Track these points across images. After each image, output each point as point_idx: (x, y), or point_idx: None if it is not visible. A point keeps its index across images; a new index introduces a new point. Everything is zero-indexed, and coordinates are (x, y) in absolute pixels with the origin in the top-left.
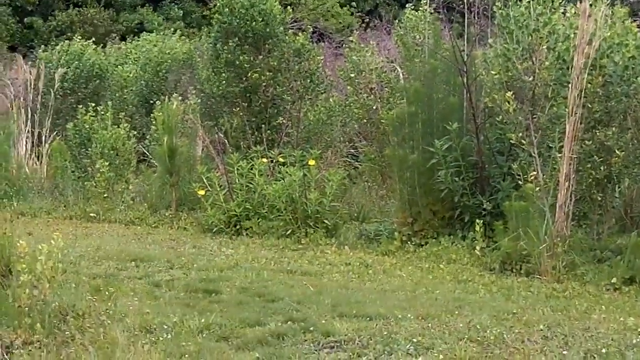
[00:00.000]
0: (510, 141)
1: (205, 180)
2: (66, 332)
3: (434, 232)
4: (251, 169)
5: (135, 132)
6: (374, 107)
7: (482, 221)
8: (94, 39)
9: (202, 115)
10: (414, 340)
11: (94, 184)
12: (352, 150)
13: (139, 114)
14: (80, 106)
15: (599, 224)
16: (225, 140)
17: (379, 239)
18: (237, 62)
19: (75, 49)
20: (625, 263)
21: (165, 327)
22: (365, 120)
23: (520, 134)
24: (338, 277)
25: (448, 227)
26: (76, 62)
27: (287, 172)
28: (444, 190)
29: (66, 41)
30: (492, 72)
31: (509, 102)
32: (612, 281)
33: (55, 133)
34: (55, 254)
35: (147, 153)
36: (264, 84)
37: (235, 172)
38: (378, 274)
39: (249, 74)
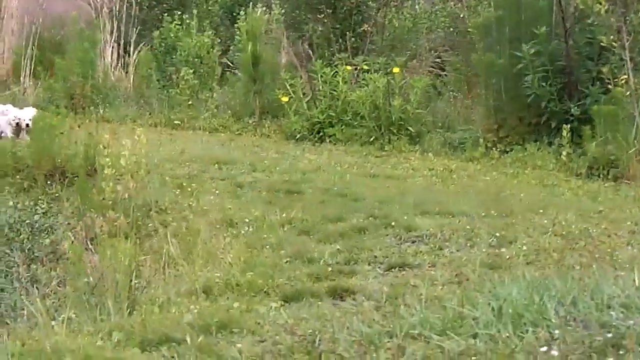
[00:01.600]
0: (601, 44)
1: (288, 87)
2: (149, 225)
3: (520, 139)
4: (335, 76)
5: (219, 40)
6: (461, 16)
7: (569, 127)
8: None
9: (287, 28)
10: (497, 234)
11: (179, 92)
12: (438, 60)
13: (223, 25)
14: (166, 14)
15: None
16: (310, 51)
17: (464, 146)
18: None
19: None
20: None
21: (247, 221)
22: (451, 29)
23: (612, 37)
24: (421, 180)
25: (534, 133)
26: None
27: (371, 79)
28: (530, 96)
29: None
30: None
31: (600, 4)
32: None
33: (142, 44)
34: (139, 150)
35: (231, 64)
36: None
37: (319, 79)
38: (462, 179)
39: None
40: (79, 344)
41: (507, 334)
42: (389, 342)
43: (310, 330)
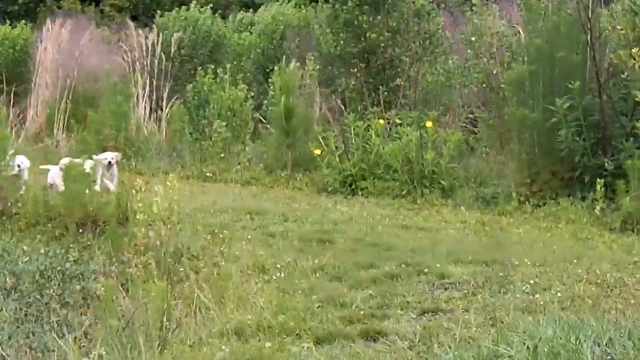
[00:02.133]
0: (635, 99)
1: (321, 140)
2: (181, 271)
3: (553, 193)
4: (367, 129)
5: (252, 94)
6: (494, 72)
7: (603, 181)
8: (211, 6)
9: (320, 83)
10: (531, 282)
11: (211, 145)
12: (470, 116)
13: (256, 81)
14: (200, 69)
15: None
16: (342, 106)
17: (496, 200)
18: (356, 23)
19: (191, 14)
20: None
21: (279, 267)
22: (484, 85)
23: None
24: (453, 232)
25: (567, 187)
26: (191, 28)
27: (404, 132)
28: (563, 150)
29: (182, 6)
30: (619, 28)
31: (634, 59)
32: None
33: (175, 98)
34: (170, 197)
35: (263, 120)
36: (382, 44)
37: (352, 132)
38: (494, 231)
39: (368, 35)
40: None
41: None
42: None
43: None
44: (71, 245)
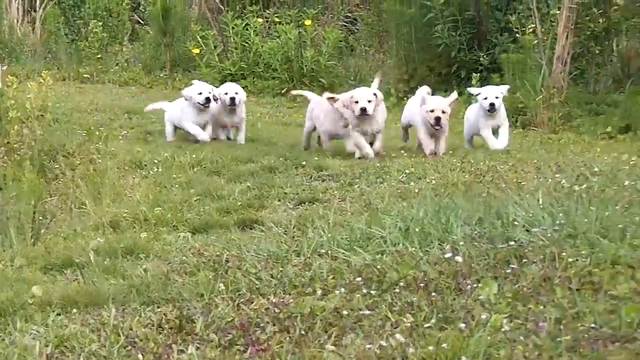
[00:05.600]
0: None
1: (200, 40)
2: (56, 168)
3: (431, 88)
4: (246, 28)
5: None
6: None
7: (478, 76)
8: None
9: None
10: (407, 171)
11: (88, 45)
12: (349, 15)
13: None
14: None
15: (595, 81)
16: (221, 5)
17: None
18: None
19: None
20: (621, 112)
21: (156, 162)
22: None
23: None
24: None
25: (444, 83)
26: None
27: (283, 31)
28: (440, 46)
29: None
30: None
31: None
32: (607, 130)
33: None
34: (44, 94)
35: (141, 21)
36: None
37: (231, 31)
38: None
39: None
40: None
41: (414, 249)
42: (296, 259)
43: (218, 253)
44: None
